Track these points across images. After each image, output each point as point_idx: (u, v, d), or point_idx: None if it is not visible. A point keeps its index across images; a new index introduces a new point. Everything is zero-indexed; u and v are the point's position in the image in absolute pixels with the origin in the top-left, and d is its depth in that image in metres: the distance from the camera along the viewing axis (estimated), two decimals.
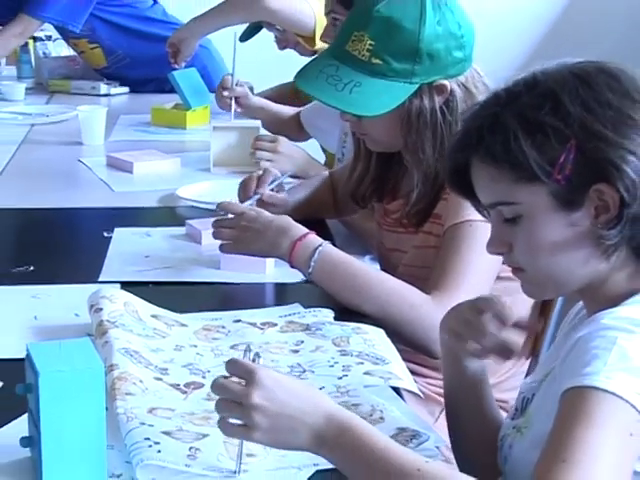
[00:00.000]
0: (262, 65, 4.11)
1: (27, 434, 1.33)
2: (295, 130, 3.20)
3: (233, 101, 3.12)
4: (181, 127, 3.41)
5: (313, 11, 3.31)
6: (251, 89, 3.25)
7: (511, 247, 1.38)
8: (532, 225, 1.34)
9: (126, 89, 3.98)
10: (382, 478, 1.20)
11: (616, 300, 1.33)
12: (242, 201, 2.15)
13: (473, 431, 1.57)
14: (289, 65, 3.25)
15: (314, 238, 1.92)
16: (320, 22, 3.26)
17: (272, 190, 2.22)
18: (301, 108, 3.18)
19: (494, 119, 1.33)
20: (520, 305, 2.07)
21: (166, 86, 3.71)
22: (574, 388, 1.21)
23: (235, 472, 1.30)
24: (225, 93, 3.18)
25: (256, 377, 1.24)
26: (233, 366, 1.28)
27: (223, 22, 3.59)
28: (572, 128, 1.29)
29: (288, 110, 3.26)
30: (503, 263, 1.90)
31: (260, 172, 2.27)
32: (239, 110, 3.12)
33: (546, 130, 1.30)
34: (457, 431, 1.59)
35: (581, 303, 1.46)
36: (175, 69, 3.57)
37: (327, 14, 2.71)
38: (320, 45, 3.28)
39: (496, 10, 5.49)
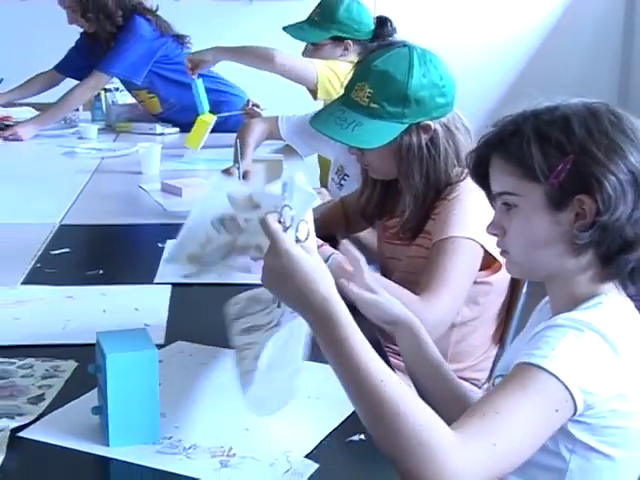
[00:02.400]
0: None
1: (97, 404, 1.33)
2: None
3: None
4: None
5: (316, 70, 3.28)
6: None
7: (504, 232, 1.38)
8: (524, 216, 1.34)
9: (177, 130, 3.97)
10: (351, 375, 1.16)
11: (578, 298, 1.33)
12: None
13: (436, 394, 1.54)
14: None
15: (328, 248, 1.91)
16: (322, 80, 3.27)
17: None
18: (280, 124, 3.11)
19: (516, 127, 1.34)
20: (492, 301, 2.07)
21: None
22: (522, 363, 1.21)
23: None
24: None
25: (275, 248, 1.21)
26: (265, 226, 1.23)
27: (239, 61, 3.52)
28: (573, 145, 1.29)
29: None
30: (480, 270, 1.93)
31: None
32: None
33: (552, 141, 1.30)
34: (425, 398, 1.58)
35: (544, 300, 1.46)
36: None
37: None
38: (321, 96, 3.30)
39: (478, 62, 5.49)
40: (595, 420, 1.24)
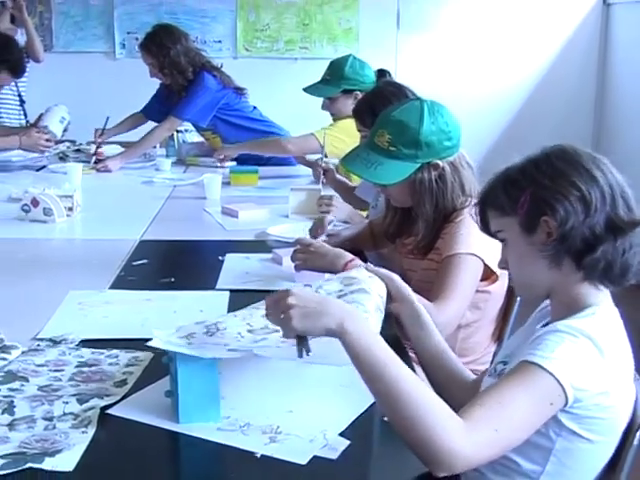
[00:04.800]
0: None
1: (169, 389, 1.32)
2: (351, 196, 3.13)
3: (322, 173, 3.04)
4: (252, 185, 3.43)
5: (319, 141, 3.29)
6: (335, 168, 3.17)
7: (508, 263, 1.39)
8: (512, 245, 1.36)
9: (234, 163, 3.97)
10: (382, 369, 1.15)
11: (571, 304, 1.31)
12: (314, 237, 2.17)
13: (442, 380, 1.51)
14: None
15: (358, 261, 1.90)
16: (326, 145, 3.25)
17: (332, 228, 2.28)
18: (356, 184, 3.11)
19: (492, 184, 1.38)
20: (491, 307, 2.04)
21: (260, 161, 3.72)
22: (524, 361, 1.20)
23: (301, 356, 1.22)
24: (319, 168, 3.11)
25: (289, 290, 1.25)
26: (271, 296, 1.27)
27: (257, 152, 3.70)
28: (527, 180, 1.31)
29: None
30: (481, 280, 1.91)
31: (320, 219, 2.32)
32: (324, 180, 3.02)
33: (512, 181, 1.33)
34: (432, 382, 1.54)
35: (545, 303, 1.44)
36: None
37: (359, 131, 2.64)
38: (331, 156, 3.28)
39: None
40: (581, 412, 1.23)
